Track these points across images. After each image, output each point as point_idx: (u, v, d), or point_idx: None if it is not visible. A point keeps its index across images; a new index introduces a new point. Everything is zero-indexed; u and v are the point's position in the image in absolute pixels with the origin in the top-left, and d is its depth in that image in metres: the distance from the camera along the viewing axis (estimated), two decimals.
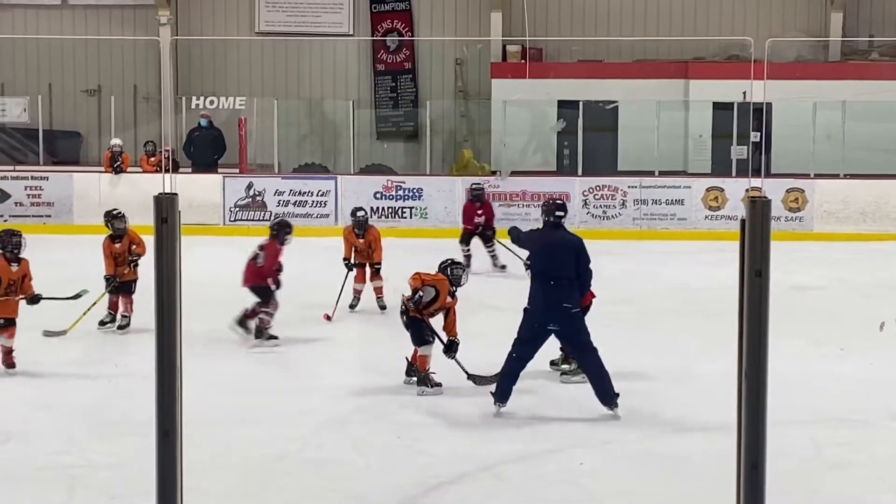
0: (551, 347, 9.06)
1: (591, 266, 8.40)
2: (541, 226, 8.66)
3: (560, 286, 8.11)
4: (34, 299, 9.44)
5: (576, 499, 6.69)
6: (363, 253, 12.35)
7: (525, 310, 8.28)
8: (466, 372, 8.85)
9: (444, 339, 8.93)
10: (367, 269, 12.40)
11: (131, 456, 7.05)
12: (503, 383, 8.30)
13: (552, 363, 9.34)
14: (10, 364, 9.43)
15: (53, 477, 6.92)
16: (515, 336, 8.30)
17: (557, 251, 8.27)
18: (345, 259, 12.35)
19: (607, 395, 8.21)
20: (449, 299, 8.97)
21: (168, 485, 3.25)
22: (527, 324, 8.24)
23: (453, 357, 8.88)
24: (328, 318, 11.79)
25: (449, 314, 8.96)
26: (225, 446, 7.53)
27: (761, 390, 3.11)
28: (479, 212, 15.24)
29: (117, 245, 10.98)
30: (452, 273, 9.06)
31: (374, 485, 6.84)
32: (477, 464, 7.24)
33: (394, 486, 6.83)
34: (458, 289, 9.09)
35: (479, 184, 16.01)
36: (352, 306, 12.34)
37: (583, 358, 8.35)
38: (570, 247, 8.29)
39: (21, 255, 9.42)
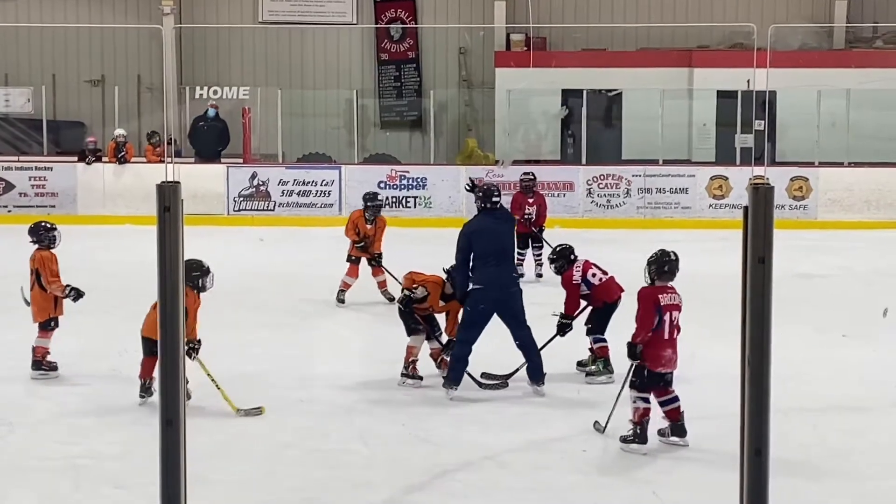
0: (580, 348, 9.09)
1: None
2: (477, 212, 8.80)
3: (508, 262, 8.64)
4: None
5: (580, 486, 6.69)
6: (368, 239, 12.04)
7: (472, 290, 8.36)
8: (472, 377, 8.68)
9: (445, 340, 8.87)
10: (361, 265, 12.13)
11: (136, 445, 7.07)
12: (457, 368, 8.41)
13: (579, 364, 9.19)
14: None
15: (59, 467, 6.93)
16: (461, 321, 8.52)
17: (504, 231, 8.71)
18: (359, 244, 12.00)
19: (538, 370, 8.50)
20: (442, 303, 8.79)
21: (172, 474, 3.25)
22: (474, 305, 8.38)
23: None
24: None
25: (450, 316, 8.85)
26: (230, 436, 7.54)
27: (764, 377, 3.11)
28: (531, 201, 13.84)
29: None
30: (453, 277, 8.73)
31: (379, 473, 6.85)
32: (481, 452, 7.25)
33: (399, 474, 6.84)
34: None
35: (529, 173, 14.39)
36: (341, 300, 12.05)
37: (521, 333, 8.49)
38: (510, 223, 8.98)
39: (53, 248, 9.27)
